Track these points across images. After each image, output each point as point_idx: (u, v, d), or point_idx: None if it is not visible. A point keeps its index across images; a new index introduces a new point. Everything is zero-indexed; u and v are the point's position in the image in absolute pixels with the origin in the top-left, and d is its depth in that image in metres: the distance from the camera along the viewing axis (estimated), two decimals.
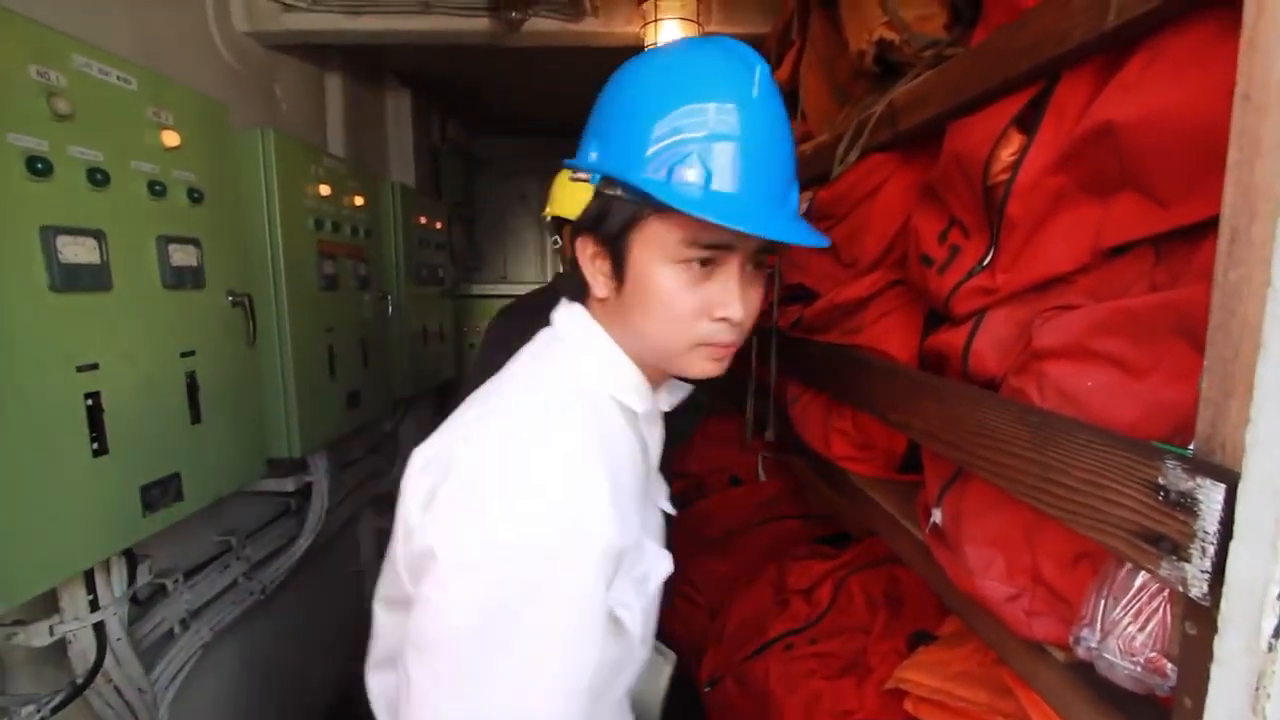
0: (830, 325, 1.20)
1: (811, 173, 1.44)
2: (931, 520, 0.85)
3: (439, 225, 2.88)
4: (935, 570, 0.85)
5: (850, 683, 1.18)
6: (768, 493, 1.97)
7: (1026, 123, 0.71)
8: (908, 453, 1.12)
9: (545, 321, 0.77)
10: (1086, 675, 0.60)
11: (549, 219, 1.33)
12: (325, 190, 1.80)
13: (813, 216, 1.21)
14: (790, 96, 1.85)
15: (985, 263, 0.79)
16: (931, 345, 0.90)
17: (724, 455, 2.32)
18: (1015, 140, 0.72)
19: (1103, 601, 0.54)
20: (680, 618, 1.80)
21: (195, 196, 1.27)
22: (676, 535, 1.43)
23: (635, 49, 2.04)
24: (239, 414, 1.43)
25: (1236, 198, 0.41)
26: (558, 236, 1.29)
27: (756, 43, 2.06)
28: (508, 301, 1.59)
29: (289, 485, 1.92)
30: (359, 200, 2.02)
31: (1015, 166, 0.70)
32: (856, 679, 1.18)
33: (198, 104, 1.30)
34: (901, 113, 0.97)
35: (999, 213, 0.73)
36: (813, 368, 1.26)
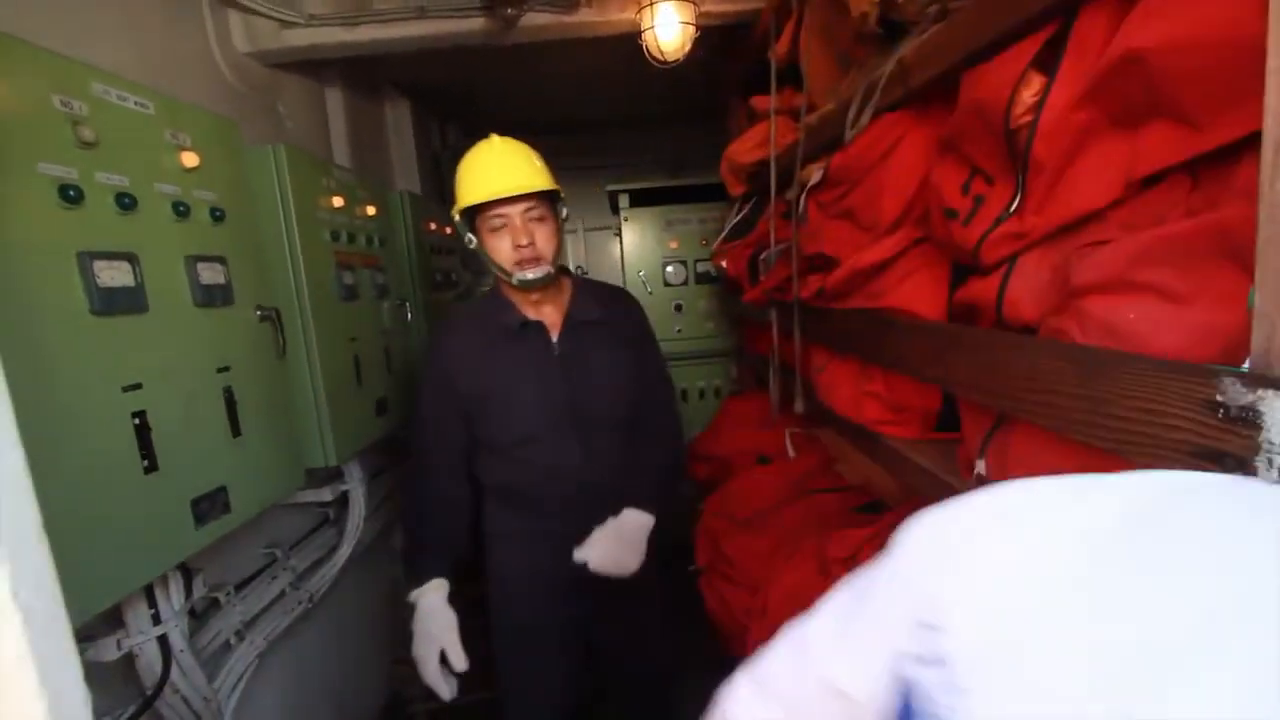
0: (853, 291, 1.20)
1: (819, 143, 1.44)
2: (975, 472, 0.85)
3: (449, 230, 2.90)
4: None
5: None
6: (799, 469, 1.97)
7: (1045, 63, 0.71)
8: (942, 411, 1.12)
9: None
10: None
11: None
12: (338, 202, 1.82)
13: (827, 184, 1.21)
14: (791, 70, 1.84)
15: (1012, 208, 0.79)
16: (961, 298, 0.90)
17: (749, 436, 2.33)
18: (1035, 82, 0.71)
19: None
20: (719, 596, 1.81)
21: (217, 215, 1.29)
22: (709, 518, 1.48)
23: (631, 36, 2.04)
24: (276, 426, 1.46)
25: (1279, 107, 0.41)
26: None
27: (752, 19, 2.06)
28: None
29: (326, 494, 1.95)
30: (370, 210, 2.04)
31: (1038, 107, 0.70)
32: None
33: (212, 124, 1.32)
34: (912, 69, 0.97)
35: (1024, 156, 0.73)
36: (839, 335, 1.26)
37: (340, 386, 1.77)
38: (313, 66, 2.38)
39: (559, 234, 1.35)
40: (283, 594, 1.84)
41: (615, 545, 1.38)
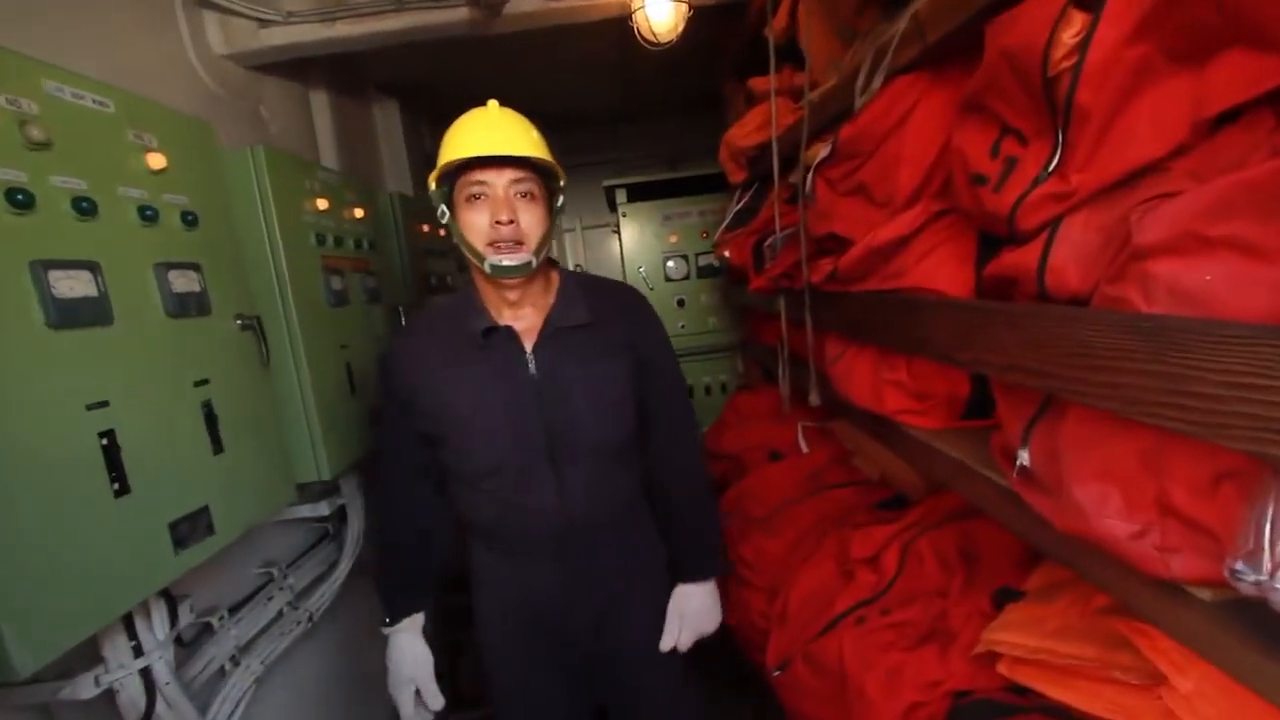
0: (869, 272, 1.11)
1: (823, 119, 1.35)
2: (1018, 464, 0.77)
3: (442, 233, 2.83)
4: (1028, 518, 0.77)
5: (933, 651, 1.10)
6: (812, 464, 1.89)
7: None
8: (970, 398, 1.03)
9: None
10: (1244, 614, 0.51)
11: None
12: (323, 204, 1.75)
13: (836, 159, 1.13)
14: (789, 48, 1.76)
15: (1051, 167, 0.70)
16: (994, 272, 0.82)
17: (759, 431, 2.24)
18: (1077, 20, 0.63)
19: (1268, 526, 0.46)
20: (735, 601, 1.73)
21: (190, 220, 1.21)
22: (724, 519, 1.40)
23: (622, 20, 1.96)
24: (262, 440, 1.38)
25: None
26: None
27: None
28: None
29: (324, 509, 1.88)
30: (359, 212, 1.97)
31: (1081, 48, 0.61)
32: (939, 646, 1.10)
33: (180, 124, 1.25)
34: (929, 24, 0.88)
35: (1066, 105, 0.65)
36: (854, 320, 1.18)
37: (332, 396, 1.70)
38: (295, 68, 2.31)
39: (550, 222, 1.14)
40: (281, 614, 1.77)
41: (698, 624, 1.30)
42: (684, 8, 1.76)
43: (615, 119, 4.01)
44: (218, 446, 1.24)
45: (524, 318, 1.17)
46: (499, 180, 1.07)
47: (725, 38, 2.38)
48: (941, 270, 0.96)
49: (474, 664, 1.38)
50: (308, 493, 1.86)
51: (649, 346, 1.26)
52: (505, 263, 1.08)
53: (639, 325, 1.26)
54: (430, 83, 2.98)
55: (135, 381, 1.05)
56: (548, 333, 1.16)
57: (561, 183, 1.17)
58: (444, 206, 1.12)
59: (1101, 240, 0.64)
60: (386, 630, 1.30)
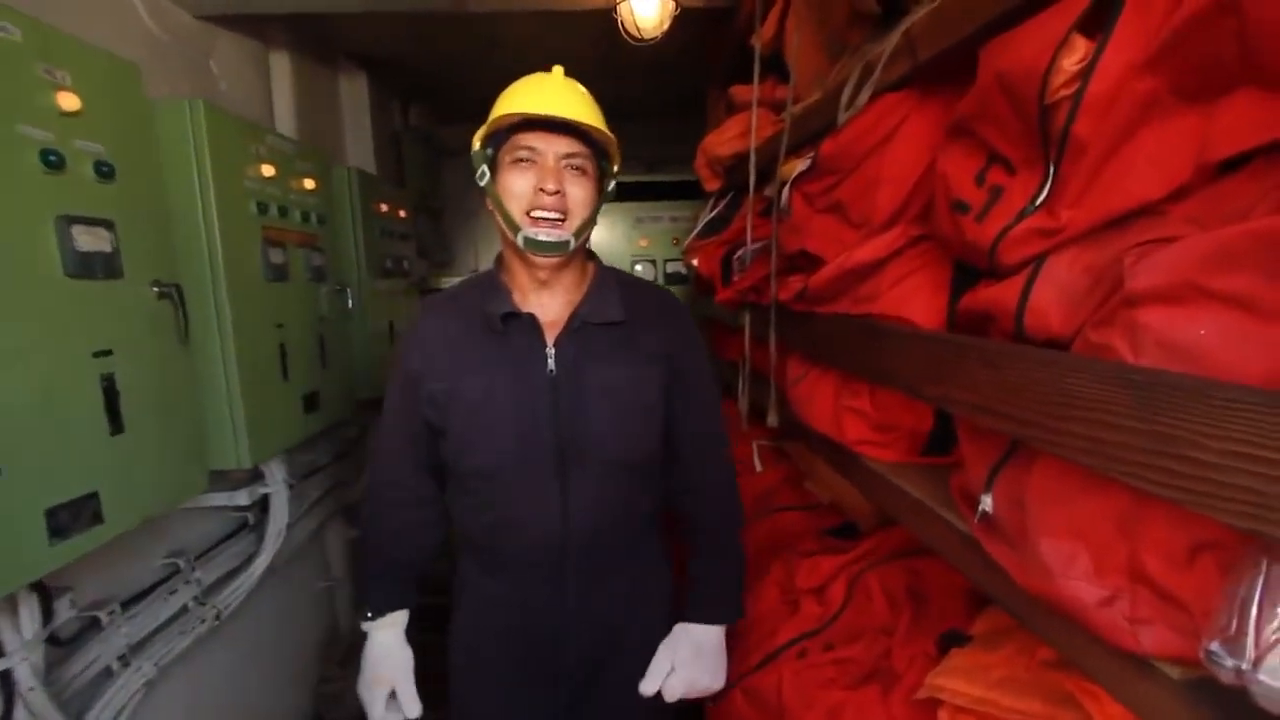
0: (840, 294, 1.07)
1: (804, 134, 1.31)
2: (980, 509, 0.73)
3: (403, 214, 2.70)
4: (986, 567, 0.73)
5: (874, 692, 1.06)
6: (764, 484, 1.85)
7: (1091, 25, 0.59)
8: (933, 433, 1.00)
9: None
10: (1215, 697, 0.48)
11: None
12: (269, 171, 1.62)
13: (815, 173, 1.08)
14: (774, 61, 1.72)
15: (1039, 200, 0.67)
16: (969, 306, 0.78)
17: None
18: (1080, 46, 0.59)
19: (1254, 609, 0.42)
20: None
21: (104, 171, 1.09)
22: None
23: (606, 13, 1.89)
24: (172, 421, 1.25)
25: None
26: None
27: (735, 2, 1.93)
28: None
29: (242, 498, 1.74)
30: (310, 184, 1.84)
31: (1084, 75, 0.57)
32: (881, 687, 1.06)
33: (103, 63, 1.12)
34: (921, 41, 0.84)
35: (1062, 136, 0.61)
36: (820, 342, 1.14)
37: (260, 378, 1.57)
38: (256, 25, 2.17)
39: (597, 204, 1.03)
40: (184, 610, 1.63)
41: (695, 673, 1.12)
42: (671, 5, 1.70)
43: None
44: (116, 426, 1.11)
45: (550, 307, 1.06)
46: (551, 148, 0.98)
47: (712, 43, 2.34)
48: (914, 298, 0.92)
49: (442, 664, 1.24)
50: (226, 480, 1.72)
51: (687, 359, 1.13)
52: (542, 238, 0.97)
53: (678, 334, 1.13)
54: (404, 60, 2.85)
55: (15, 347, 0.93)
56: (574, 326, 1.04)
57: (616, 168, 1.07)
58: (485, 168, 1.01)
59: (1088, 282, 0.60)
60: (366, 625, 1.15)
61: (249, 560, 1.87)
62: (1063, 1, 0.60)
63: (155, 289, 1.20)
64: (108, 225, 1.10)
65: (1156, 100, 0.53)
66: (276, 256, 1.64)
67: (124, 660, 1.39)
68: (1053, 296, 0.63)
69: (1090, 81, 0.57)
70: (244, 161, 1.53)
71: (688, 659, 1.13)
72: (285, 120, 2.38)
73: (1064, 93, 0.60)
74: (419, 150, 3.42)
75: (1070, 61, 0.59)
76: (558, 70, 1.03)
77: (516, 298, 1.06)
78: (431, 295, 1.17)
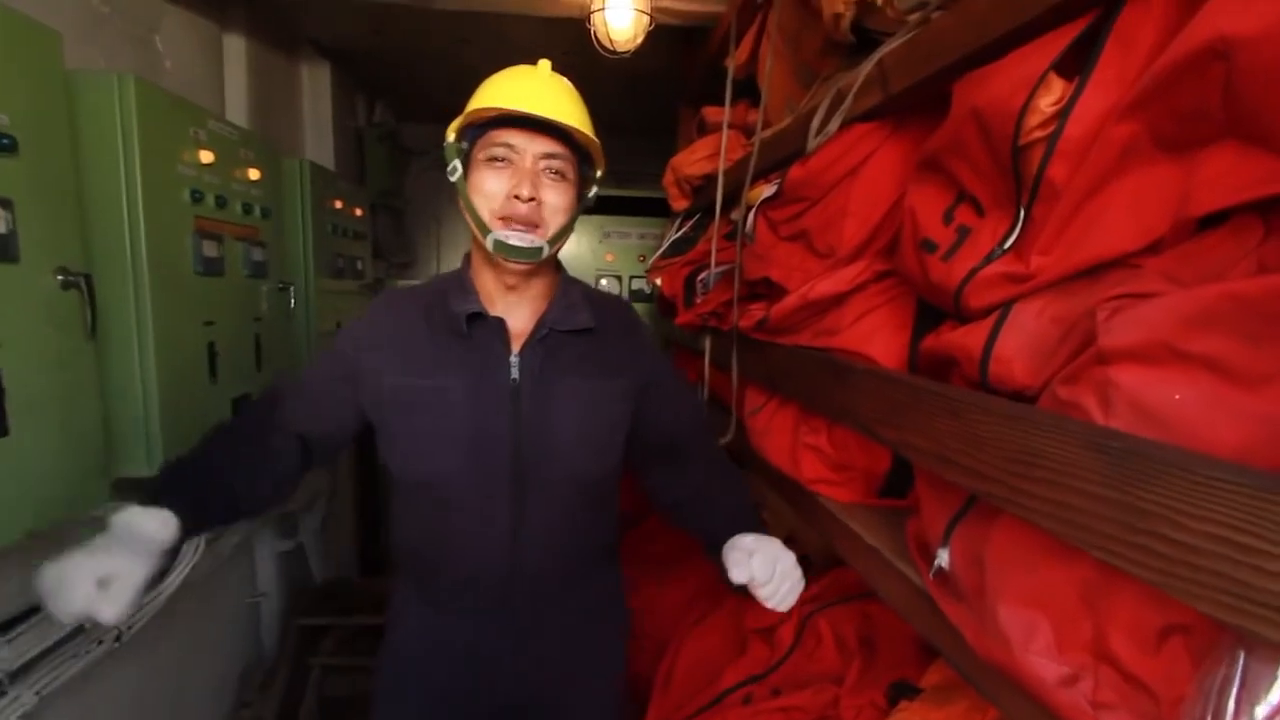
0: (801, 325, 1.03)
1: (769, 160, 1.29)
2: (936, 564, 0.69)
3: (358, 212, 2.59)
4: (940, 625, 0.69)
5: None
6: None
7: (1070, 65, 0.56)
8: (890, 473, 0.96)
9: None
10: None
11: None
12: (207, 157, 1.51)
13: (781, 199, 1.05)
14: (746, 84, 1.71)
15: (1007, 244, 0.64)
16: (932, 348, 0.74)
17: None
18: (1057, 87, 0.56)
19: (1230, 705, 0.38)
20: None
21: (4, 144, 0.98)
22: (624, 558, 1.19)
23: (579, 26, 1.85)
24: (70, 424, 1.13)
25: None
26: None
27: (711, 22, 1.91)
28: None
29: None
30: (254, 174, 1.73)
31: (1061, 116, 0.55)
32: None
33: (12, 24, 1.01)
34: (894, 71, 0.82)
35: (1035, 178, 0.58)
36: (780, 374, 1.10)
37: (183, 379, 1.45)
38: (211, 4, 2.05)
39: (575, 212, 0.96)
40: (79, 630, 1.47)
41: (786, 561, 0.88)
42: (645, 19, 1.67)
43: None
44: (1, 428, 0.99)
45: (516, 314, 0.98)
46: (530, 147, 0.90)
47: (686, 62, 2.33)
48: (876, 335, 0.89)
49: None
50: (136, 489, 1.58)
51: (655, 371, 1.07)
52: (513, 241, 0.89)
53: (641, 349, 1.08)
54: (371, 53, 2.75)
55: None
56: (540, 334, 0.97)
57: (599, 173, 1.00)
58: (458, 163, 0.94)
59: (1057, 334, 0.57)
60: (113, 513, 0.83)
61: (160, 576, 1.71)
62: (1042, 38, 0.58)
63: (59, 277, 1.09)
64: (4, 204, 0.98)
65: (1135, 147, 0.51)
66: (210, 249, 1.53)
67: (0, 689, 1.24)
68: (1019, 345, 0.60)
69: (1067, 124, 0.54)
70: (179, 145, 1.42)
71: (788, 569, 0.88)
72: (237, 108, 2.25)
73: (1039, 134, 0.58)
74: (382, 148, 3.31)
75: (1047, 102, 0.57)
76: (544, 64, 0.96)
77: (483, 299, 0.98)
78: (389, 289, 1.06)
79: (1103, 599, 0.49)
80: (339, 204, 2.36)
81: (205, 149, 1.51)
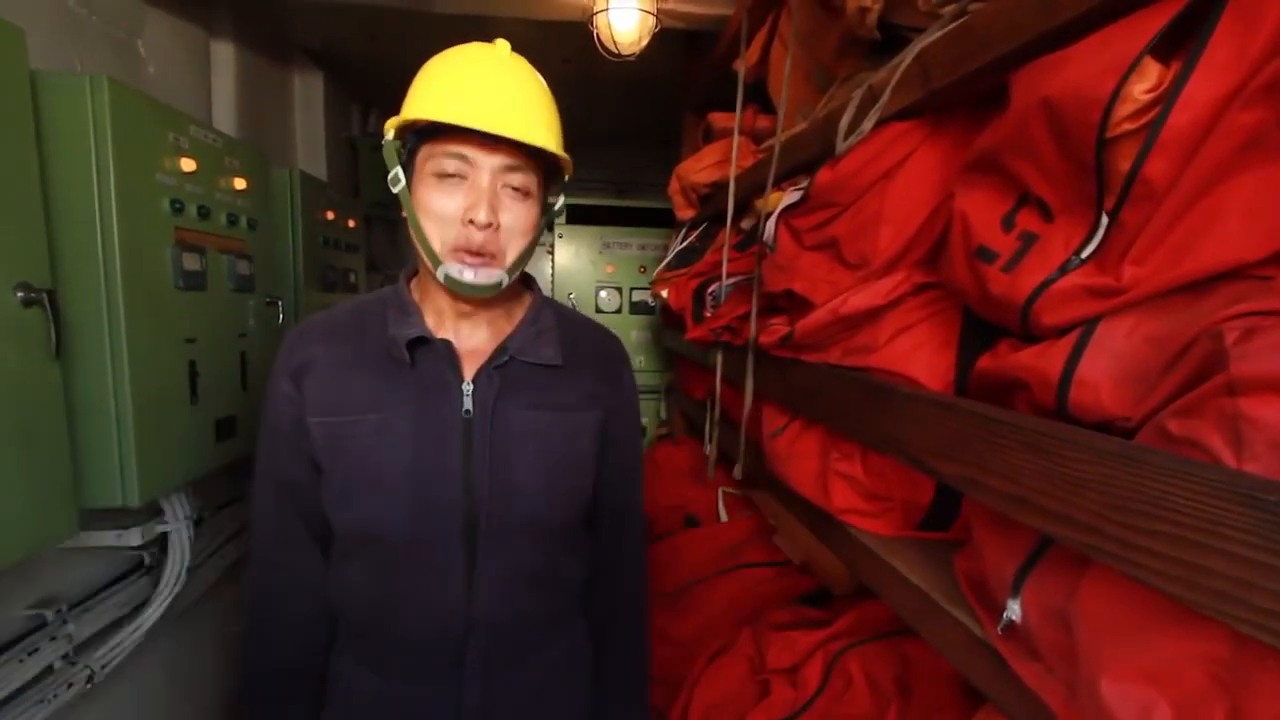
0: (829, 342, 0.95)
1: (786, 165, 1.21)
2: (1006, 617, 0.60)
3: (351, 224, 2.51)
4: (1008, 684, 0.60)
5: None
6: (731, 537, 1.71)
7: (1161, 47, 0.49)
8: (932, 506, 0.88)
9: None
10: None
11: None
12: (189, 165, 1.43)
13: (807, 206, 0.97)
14: (755, 90, 1.64)
15: (1086, 254, 0.56)
16: (991, 370, 0.66)
17: (677, 491, 2.05)
18: (1153, 72, 0.49)
19: None
20: None
21: None
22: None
23: (582, 32, 1.78)
24: (33, 452, 1.04)
25: None
26: None
27: (718, 25, 1.85)
28: None
29: (134, 538, 1.50)
30: (239, 183, 1.65)
31: (1166, 104, 0.47)
32: None
33: None
34: (938, 64, 0.74)
35: (1128, 177, 0.50)
36: (806, 394, 1.01)
37: (161, 401, 1.36)
38: (197, 8, 1.98)
39: (539, 229, 0.84)
40: (50, 670, 1.37)
41: None
42: (651, 21, 1.60)
43: (568, 137, 3.85)
44: None
45: (472, 336, 0.86)
46: (487, 162, 0.77)
47: (690, 67, 2.26)
48: (916, 354, 0.81)
49: None
50: (113, 518, 1.48)
51: (621, 416, 0.94)
52: (469, 278, 0.77)
53: (617, 384, 0.94)
54: (366, 61, 2.69)
55: None
56: (498, 361, 0.84)
57: (566, 178, 0.88)
58: (399, 171, 0.80)
59: (1159, 358, 0.49)
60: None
61: (138, 610, 1.61)
62: (1131, 17, 0.50)
63: (20, 294, 1.00)
64: None
65: (1261, 137, 0.43)
66: (192, 262, 1.44)
67: None
68: (1107, 369, 0.52)
69: (1171, 113, 0.46)
70: (158, 152, 1.34)
71: None
72: (225, 116, 2.18)
73: (1129, 126, 0.50)
74: (377, 158, 3.23)
75: (1142, 88, 0.49)
76: (501, 46, 0.81)
77: (430, 321, 0.86)
78: (310, 317, 0.91)
79: (1239, 674, 0.41)
80: (331, 215, 2.28)
81: (187, 156, 1.43)
